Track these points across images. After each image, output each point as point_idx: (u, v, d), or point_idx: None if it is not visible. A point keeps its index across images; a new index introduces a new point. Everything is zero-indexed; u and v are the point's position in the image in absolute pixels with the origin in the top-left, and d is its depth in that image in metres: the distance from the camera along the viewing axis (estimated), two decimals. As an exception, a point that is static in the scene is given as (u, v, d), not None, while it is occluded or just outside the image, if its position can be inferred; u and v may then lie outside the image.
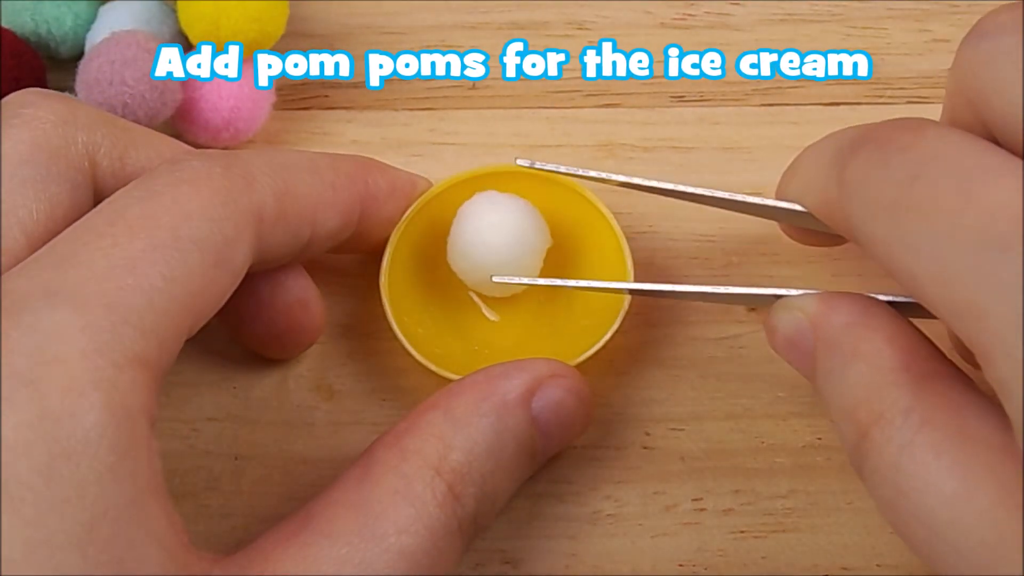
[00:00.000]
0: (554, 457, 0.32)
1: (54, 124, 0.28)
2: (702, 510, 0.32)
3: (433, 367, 0.31)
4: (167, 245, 0.26)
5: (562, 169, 0.32)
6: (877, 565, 0.31)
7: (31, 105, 0.28)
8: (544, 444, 0.29)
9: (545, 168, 0.32)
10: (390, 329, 0.32)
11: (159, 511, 0.24)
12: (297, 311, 0.32)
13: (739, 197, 0.31)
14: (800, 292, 0.28)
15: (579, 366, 0.31)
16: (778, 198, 0.30)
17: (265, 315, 0.32)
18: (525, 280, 0.32)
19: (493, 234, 0.32)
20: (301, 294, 0.32)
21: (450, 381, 0.31)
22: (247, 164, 0.28)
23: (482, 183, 0.34)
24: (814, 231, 0.31)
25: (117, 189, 0.28)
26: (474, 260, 0.32)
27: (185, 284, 0.26)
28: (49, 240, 0.27)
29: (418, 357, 0.31)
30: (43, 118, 0.28)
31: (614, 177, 0.32)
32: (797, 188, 0.29)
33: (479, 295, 0.34)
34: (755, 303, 0.29)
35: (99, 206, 0.27)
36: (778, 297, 0.29)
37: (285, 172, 0.29)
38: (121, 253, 0.25)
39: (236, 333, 0.33)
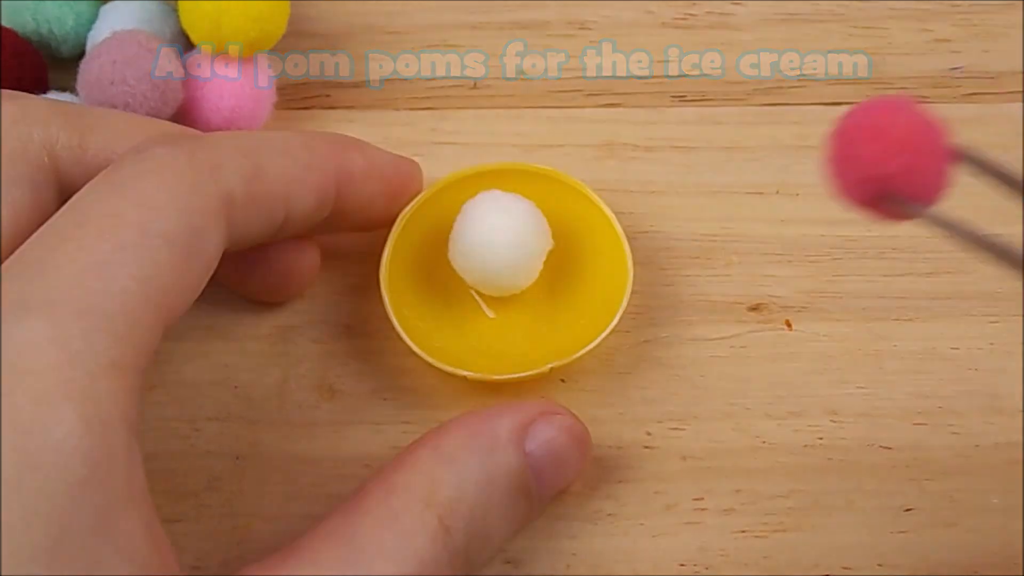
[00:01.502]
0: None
1: (7, 126, 0.28)
2: (703, 510, 0.31)
3: (433, 361, 0.31)
4: (136, 244, 0.25)
5: None
6: (879, 565, 0.31)
7: None
8: (538, 483, 0.29)
9: None
10: (390, 326, 0.32)
11: (134, 525, 0.24)
12: (291, 254, 0.32)
13: None
14: None
15: (578, 362, 0.31)
16: None
17: (259, 259, 0.31)
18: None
19: (495, 235, 0.32)
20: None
21: (450, 375, 0.31)
22: (214, 148, 0.28)
23: (483, 180, 0.34)
24: None
25: (81, 176, 0.28)
26: (476, 261, 0.32)
27: (157, 281, 0.25)
28: (16, 245, 0.26)
29: (418, 351, 0.31)
30: None
31: None
32: None
33: (479, 293, 0.34)
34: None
35: (65, 206, 0.26)
36: None
37: (255, 154, 0.29)
38: (89, 257, 0.25)
39: (230, 280, 0.32)
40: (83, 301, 0.24)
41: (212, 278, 0.28)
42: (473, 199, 0.33)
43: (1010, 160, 0.36)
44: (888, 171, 0.24)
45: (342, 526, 0.27)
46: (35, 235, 0.26)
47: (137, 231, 0.25)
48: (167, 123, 0.31)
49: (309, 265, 0.33)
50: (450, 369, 0.31)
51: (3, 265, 0.25)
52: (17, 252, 0.25)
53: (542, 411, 0.29)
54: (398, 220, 0.33)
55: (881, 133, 0.25)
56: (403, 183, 0.33)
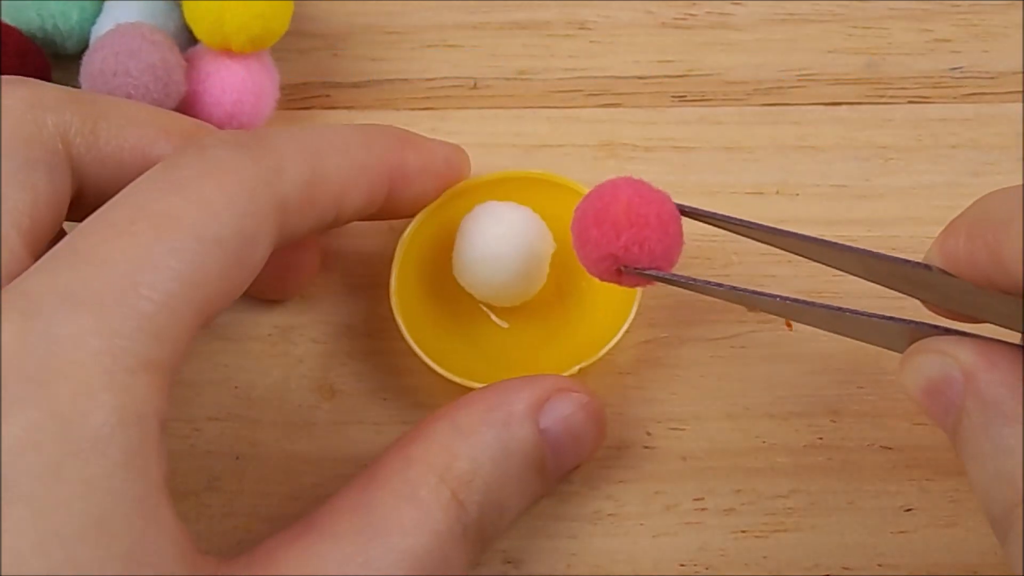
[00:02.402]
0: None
1: (22, 111, 0.28)
2: (703, 510, 0.32)
3: (458, 379, 0.31)
4: (189, 249, 0.25)
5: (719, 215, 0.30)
6: (879, 565, 0.31)
7: None
8: (554, 459, 0.29)
9: (700, 213, 0.30)
10: (391, 327, 0.32)
11: (168, 511, 0.24)
12: (292, 251, 0.32)
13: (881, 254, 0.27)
14: (946, 334, 0.26)
15: (593, 366, 0.31)
16: (944, 254, 0.26)
17: None
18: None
19: (497, 248, 0.32)
20: None
21: (468, 388, 0.31)
22: (278, 151, 0.28)
23: (484, 190, 0.34)
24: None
25: (93, 163, 0.28)
26: (480, 275, 0.32)
27: (204, 287, 0.25)
28: (37, 228, 0.27)
29: (442, 372, 0.31)
30: (10, 106, 0.28)
31: (762, 224, 0.29)
32: (991, 239, 0.25)
33: (488, 305, 0.34)
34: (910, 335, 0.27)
35: (121, 195, 0.26)
36: (916, 326, 0.27)
37: (316, 157, 0.29)
38: (141, 256, 0.25)
39: None
40: (129, 300, 0.24)
41: None
42: (470, 213, 0.33)
43: (1009, 160, 0.37)
44: (615, 249, 0.29)
45: (360, 498, 0.27)
46: (88, 223, 0.26)
47: (191, 235, 0.25)
48: (179, 115, 0.31)
49: (309, 263, 0.33)
50: (472, 384, 0.31)
51: (54, 250, 0.25)
52: (69, 238, 0.26)
53: (559, 387, 0.29)
54: (400, 242, 0.33)
55: (604, 216, 0.29)
56: (453, 176, 0.33)
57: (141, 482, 0.24)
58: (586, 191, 0.34)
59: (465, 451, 0.27)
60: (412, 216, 0.33)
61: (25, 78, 0.30)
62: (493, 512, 0.28)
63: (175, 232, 0.25)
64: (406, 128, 0.37)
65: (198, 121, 0.32)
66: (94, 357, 0.23)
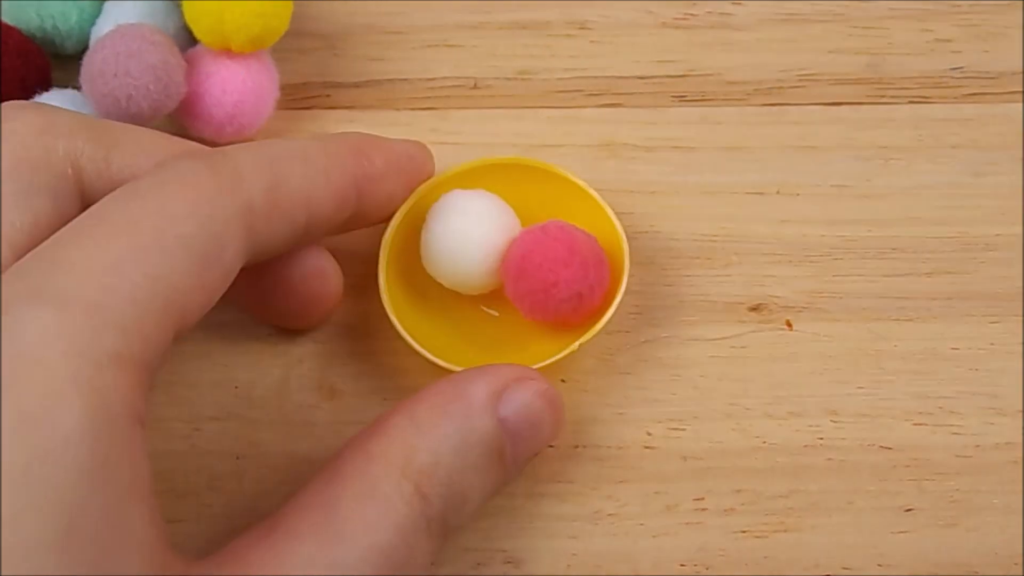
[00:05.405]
0: (555, 457, 0.32)
1: (33, 136, 0.28)
2: (703, 510, 0.32)
3: (448, 365, 0.31)
4: (150, 245, 0.26)
5: None
6: (878, 565, 0.31)
7: (8, 119, 0.28)
8: (513, 447, 0.29)
9: None
10: (390, 326, 0.32)
11: (140, 513, 0.24)
12: (314, 281, 0.32)
13: None
14: None
15: (578, 362, 0.31)
16: None
17: (282, 289, 0.32)
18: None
19: (456, 240, 0.32)
20: (316, 263, 0.32)
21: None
22: (235, 160, 0.28)
23: (481, 176, 0.34)
24: None
25: (104, 190, 0.28)
26: (445, 267, 0.32)
27: (169, 282, 0.26)
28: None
29: (443, 363, 0.31)
30: (20, 131, 0.28)
31: None
32: None
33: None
34: None
35: (88, 210, 0.27)
36: None
37: (275, 164, 0.29)
38: (103, 254, 0.25)
39: (254, 309, 0.33)
40: (93, 296, 0.24)
41: (235, 304, 0.29)
42: (435, 203, 0.33)
43: (1010, 160, 0.37)
44: (582, 288, 0.31)
45: (322, 496, 0.27)
46: (56, 234, 0.26)
47: (152, 233, 0.26)
48: (192, 143, 0.32)
49: (332, 292, 0.33)
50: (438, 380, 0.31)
51: (22, 260, 0.26)
52: (37, 249, 0.26)
53: (516, 376, 0.29)
54: (384, 242, 0.33)
55: (572, 256, 0.31)
56: (419, 172, 0.34)
57: (110, 486, 0.23)
58: (566, 174, 0.34)
59: (425, 445, 0.28)
60: (387, 219, 0.33)
61: (39, 104, 0.30)
62: (456, 503, 0.28)
63: (136, 234, 0.26)
64: (407, 128, 0.37)
65: (208, 148, 0.32)
66: (61, 355, 0.23)
